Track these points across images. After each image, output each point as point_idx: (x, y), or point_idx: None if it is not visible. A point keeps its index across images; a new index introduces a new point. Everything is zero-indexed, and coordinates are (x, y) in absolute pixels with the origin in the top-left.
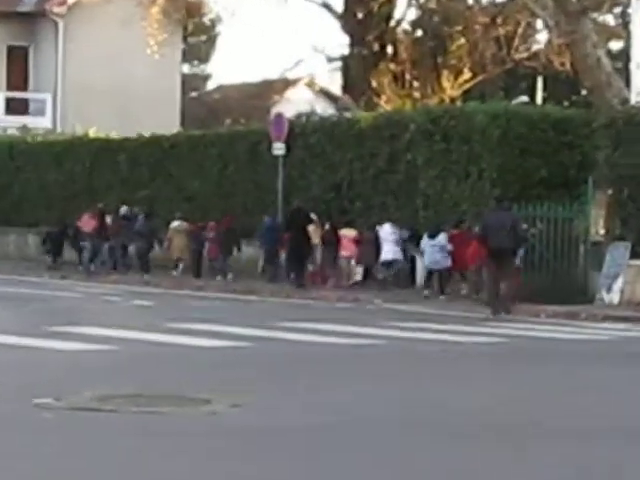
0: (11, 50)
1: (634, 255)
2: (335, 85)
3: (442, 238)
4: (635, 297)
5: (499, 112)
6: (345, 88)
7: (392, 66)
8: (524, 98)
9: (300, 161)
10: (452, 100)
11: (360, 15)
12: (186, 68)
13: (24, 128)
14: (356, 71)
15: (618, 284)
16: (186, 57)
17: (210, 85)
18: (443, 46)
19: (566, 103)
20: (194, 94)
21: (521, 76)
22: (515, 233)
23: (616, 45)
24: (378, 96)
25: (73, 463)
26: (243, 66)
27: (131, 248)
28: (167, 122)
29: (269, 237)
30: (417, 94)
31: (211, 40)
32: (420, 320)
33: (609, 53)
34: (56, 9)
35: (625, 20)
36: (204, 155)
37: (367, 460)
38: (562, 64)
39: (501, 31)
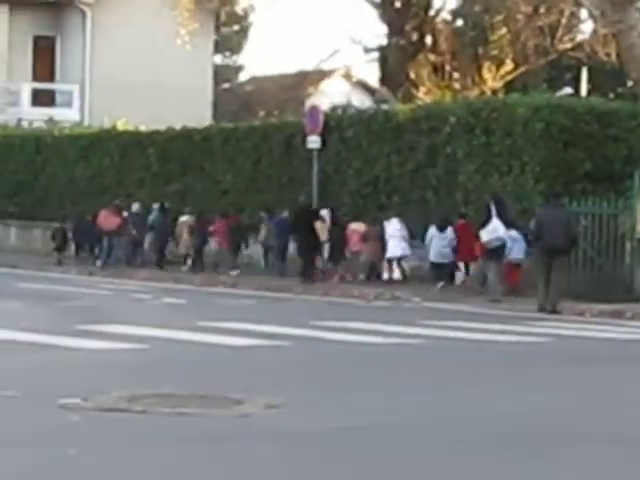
0: (37, 40)
1: None
2: (372, 77)
3: (450, 232)
4: None
5: (542, 104)
6: (382, 80)
7: (431, 57)
8: (568, 90)
9: (336, 155)
10: (493, 92)
11: (398, 4)
12: (218, 59)
13: (50, 120)
14: (394, 62)
15: None
16: (218, 48)
17: (243, 77)
18: (484, 36)
19: (611, 95)
20: (226, 86)
21: (565, 67)
22: (569, 230)
23: None
24: (416, 88)
25: (93, 467)
26: (277, 57)
27: (145, 243)
28: (198, 115)
29: (279, 233)
30: (457, 86)
31: (244, 30)
32: (460, 319)
33: None
34: None
35: None
36: (237, 149)
37: (402, 464)
38: (607, 55)
39: (544, 20)
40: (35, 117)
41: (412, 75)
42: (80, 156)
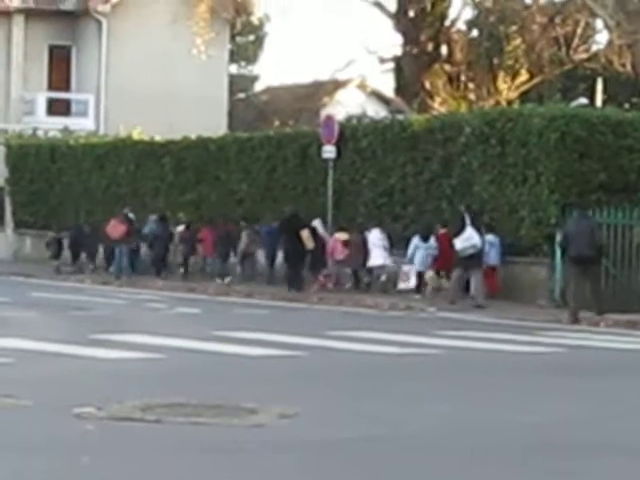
0: (53, 49)
1: None
2: (387, 87)
3: (433, 241)
4: None
5: (557, 115)
6: (397, 90)
7: (446, 67)
8: (583, 100)
9: (351, 165)
10: (508, 102)
11: (413, 14)
12: (233, 69)
13: (66, 130)
14: (409, 72)
15: None
16: (233, 57)
17: (258, 86)
18: (499, 46)
19: (627, 105)
20: (242, 95)
21: (580, 77)
22: (594, 239)
23: None
24: (432, 98)
25: (107, 476)
26: (292, 67)
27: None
28: (214, 124)
29: (268, 242)
30: (472, 96)
31: (259, 40)
32: (475, 329)
33: None
34: (100, 7)
35: None
36: (252, 158)
37: (420, 473)
38: (623, 65)
39: (560, 31)
40: (50, 126)
41: (427, 85)
42: (95, 165)
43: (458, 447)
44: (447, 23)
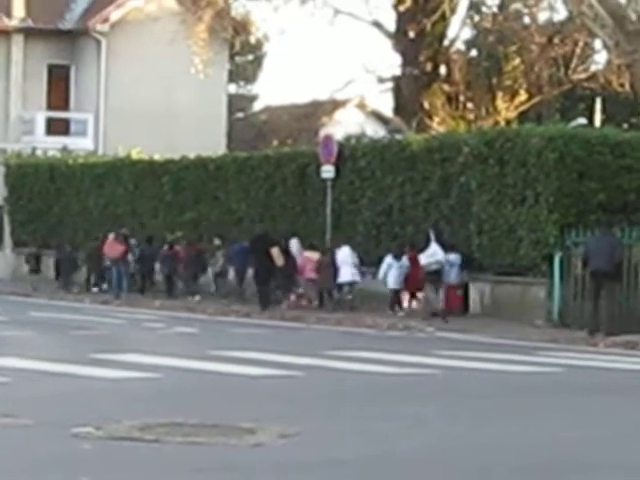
0: (52, 69)
1: None
2: (386, 106)
3: (405, 260)
4: None
5: (556, 135)
6: (396, 109)
7: (445, 87)
8: (582, 120)
9: (349, 184)
10: (507, 122)
11: (412, 34)
12: (232, 88)
13: (65, 149)
14: (408, 92)
15: None
16: (232, 77)
17: (257, 106)
18: (498, 66)
19: (625, 125)
20: (240, 115)
21: (579, 97)
22: (614, 256)
23: None
24: (430, 118)
25: None
26: (291, 87)
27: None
28: (213, 144)
29: (238, 260)
30: (471, 116)
31: (258, 59)
32: (474, 349)
33: None
34: (99, 27)
35: None
36: (251, 178)
37: None
38: (621, 85)
39: (558, 51)
40: (49, 146)
41: (426, 105)
42: (94, 185)
43: (458, 467)
44: (446, 43)
